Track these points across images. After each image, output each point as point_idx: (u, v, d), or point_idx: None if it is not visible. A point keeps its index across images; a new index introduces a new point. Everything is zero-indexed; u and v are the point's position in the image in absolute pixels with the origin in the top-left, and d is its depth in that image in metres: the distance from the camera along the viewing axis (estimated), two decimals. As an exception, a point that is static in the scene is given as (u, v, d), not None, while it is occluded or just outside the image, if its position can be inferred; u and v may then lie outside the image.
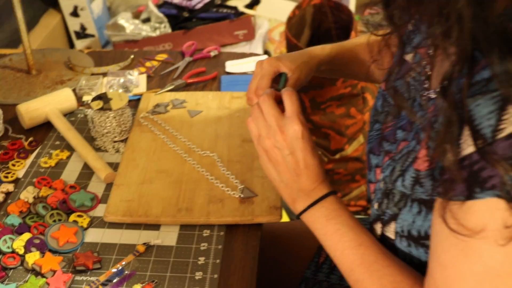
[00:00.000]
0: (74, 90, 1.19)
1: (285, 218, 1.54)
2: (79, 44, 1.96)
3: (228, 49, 1.79)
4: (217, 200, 0.88)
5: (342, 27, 1.79)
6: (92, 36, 1.95)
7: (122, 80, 1.20)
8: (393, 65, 0.76)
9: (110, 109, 1.01)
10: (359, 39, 0.98)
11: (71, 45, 1.98)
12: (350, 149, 1.73)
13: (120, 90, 1.18)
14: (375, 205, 0.71)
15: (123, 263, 0.79)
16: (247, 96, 0.85)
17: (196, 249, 0.82)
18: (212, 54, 1.30)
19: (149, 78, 1.23)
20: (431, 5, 0.54)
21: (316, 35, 1.84)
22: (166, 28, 1.78)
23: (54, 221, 0.87)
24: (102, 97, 1.03)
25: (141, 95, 1.16)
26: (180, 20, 1.79)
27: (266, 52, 1.94)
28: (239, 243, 0.83)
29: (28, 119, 1.07)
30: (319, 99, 1.65)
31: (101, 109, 1.00)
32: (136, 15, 1.83)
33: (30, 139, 1.05)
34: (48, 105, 1.08)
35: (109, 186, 0.94)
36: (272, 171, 0.74)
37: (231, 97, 1.12)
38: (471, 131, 0.53)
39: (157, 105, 1.10)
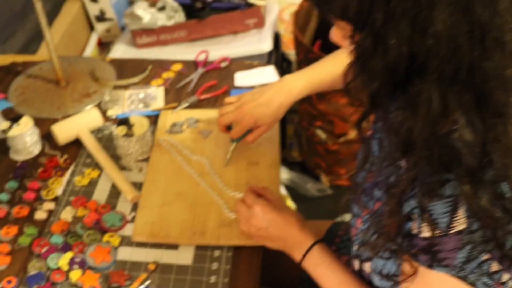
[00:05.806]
0: (99, 104, 1.34)
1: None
2: (100, 27, 2.08)
3: (240, 37, 1.89)
4: (226, 224, 1.04)
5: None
6: (111, 20, 2.06)
7: (142, 95, 1.34)
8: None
9: (132, 135, 1.15)
10: (336, 67, 1.08)
11: (92, 28, 2.09)
12: (353, 134, 1.86)
13: (141, 105, 1.32)
14: (355, 247, 0.87)
15: (148, 281, 0.97)
16: (219, 124, 1.12)
17: (208, 269, 0.99)
18: (222, 65, 1.42)
19: (166, 91, 1.36)
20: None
21: (324, 24, 1.93)
22: (180, 17, 1.88)
23: (91, 240, 1.04)
24: (126, 122, 1.17)
25: (159, 110, 1.30)
26: (194, 9, 1.88)
27: (276, 34, 2.04)
28: (244, 263, 1.00)
29: (61, 138, 1.22)
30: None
31: (125, 135, 1.15)
32: (152, 4, 1.92)
33: (65, 156, 1.21)
34: (78, 125, 1.23)
35: (134, 206, 1.10)
36: (269, 243, 0.98)
37: (239, 116, 1.25)
38: (429, 222, 0.68)
39: (174, 125, 1.24)
